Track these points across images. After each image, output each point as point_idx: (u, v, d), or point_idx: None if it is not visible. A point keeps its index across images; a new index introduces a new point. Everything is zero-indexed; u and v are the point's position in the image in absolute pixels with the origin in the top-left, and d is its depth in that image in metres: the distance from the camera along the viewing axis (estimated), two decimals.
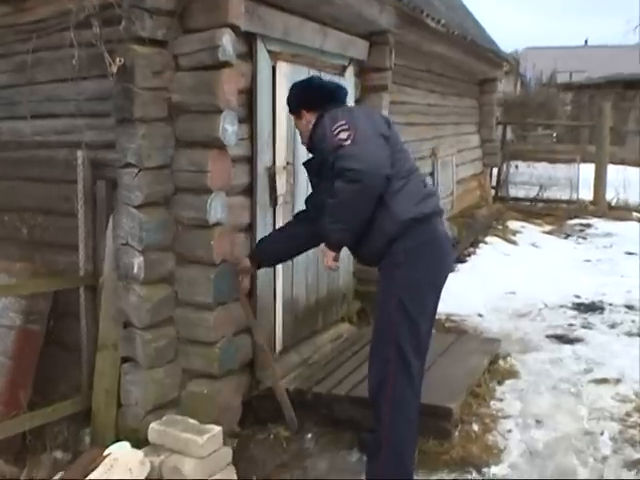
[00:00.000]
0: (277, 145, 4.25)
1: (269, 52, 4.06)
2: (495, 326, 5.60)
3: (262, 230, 4.12)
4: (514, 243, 8.66)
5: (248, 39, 3.92)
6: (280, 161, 4.28)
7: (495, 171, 11.90)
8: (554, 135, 18.12)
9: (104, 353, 3.66)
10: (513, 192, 11.95)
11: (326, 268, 3.30)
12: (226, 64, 3.33)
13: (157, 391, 3.53)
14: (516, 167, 11.92)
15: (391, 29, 5.31)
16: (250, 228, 4.09)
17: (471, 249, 8.03)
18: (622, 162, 13.76)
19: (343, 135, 2.98)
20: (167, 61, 3.40)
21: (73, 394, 3.78)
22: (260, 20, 3.88)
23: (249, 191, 4.06)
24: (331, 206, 3.01)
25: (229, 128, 3.36)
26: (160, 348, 3.52)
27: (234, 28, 3.38)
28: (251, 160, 4.03)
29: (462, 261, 7.53)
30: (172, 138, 3.46)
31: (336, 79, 4.95)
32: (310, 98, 3.37)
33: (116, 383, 3.63)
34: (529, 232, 9.49)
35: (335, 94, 3.40)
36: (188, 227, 3.50)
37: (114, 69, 3.28)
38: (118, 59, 3.27)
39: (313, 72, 4.72)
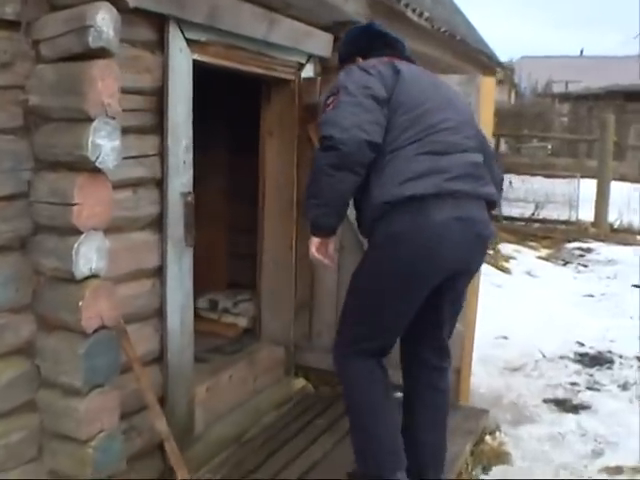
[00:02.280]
0: None
1: (188, 41, 3.07)
2: (483, 383, 4.61)
3: (175, 275, 3.14)
4: (507, 271, 7.67)
5: (159, 23, 2.95)
6: None
7: None
8: (549, 148, 17.15)
9: None
10: (506, 210, 10.90)
11: (313, 260, 2.84)
12: (102, 53, 2.32)
13: None
14: (510, 183, 10.91)
15: (361, 20, 4.31)
16: (160, 272, 3.10)
17: None
18: (622, 178, 12.80)
19: (329, 100, 2.68)
20: (22, 49, 2.39)
21: None
22: None
23: (158, 224, 3.07)
24: (308, 179, 2.71)
25: (105, 144, 2.35)
26: (13, 445, 2.50)
27: (118, 3, 2.38)
28: (161, 184, 3.04)
29: None
30: (29, 157, 2.44)
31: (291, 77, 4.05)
32: (368, 43, 3.03)
33: None
34: (524, 257, 8.50)
35: (397, 44, 3.09)
36: (51, 280, 2.50)
37: None
38: None
39: (261, 70, 3.78)
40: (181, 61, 3.03)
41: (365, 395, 2.80)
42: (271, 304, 4.32)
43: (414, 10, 4.92)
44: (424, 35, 5.58)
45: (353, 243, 4.12)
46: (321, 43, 4.19)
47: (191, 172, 3.16)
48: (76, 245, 2.37)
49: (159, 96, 2.99)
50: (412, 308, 2.72)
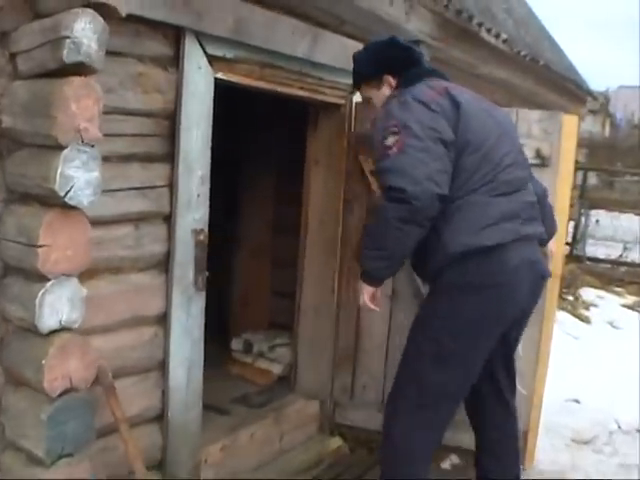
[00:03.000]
0: None
1: (210, 57, 2.70)
2: (546, 458, 3.99)
3: (182, 323, 2.75)
4: (587, 321, 6.95)
5: (175, 35, 2.58)
6: None
7: (571, 224, 10.08)
8: None
9: None
10: (592, 250, 10.06)
11: (362, 309, 2.79)
12: (81, 69, 1.95)
13: None
14: (597, 222, 10.09)
15: (425, 40, 3.86)
16: (164, 320, 2.72)
17: None
18: None
19: (390, 140, 2.45)
20: None
21: None
22: (188, 6, 2.51)
23: (165, 265, 2.69)
24: (370, 228, 2.57)
25: (79, 176, 1.97)
26: None
27: (103, 10, 2.01)
28: (169, 219, 2.67)
29: None
30: (0, 186, 2.11)
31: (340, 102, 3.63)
32: (398, 58, 2.81)
33: None
34: (607, 305, 7.73)
35: (421, 57, 2.90)
36: (18, 331, 2.14)
37: None
38: None
39: (304, 93, 3.38)
40: (199, 80, 2.65)
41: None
42: (308, 352, 3.89)
43: (489, 30, 4.41)
44: (502, 58, 5.06)
45: (406, 288, 3.67)
46: None
47: (207, 207, 2.77)
48: (41, 293, 2.01)
49: (171, 119, 2.61)
50: (486, 355, 2.66)
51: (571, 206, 8.82)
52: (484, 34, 4.39)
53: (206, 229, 2.76)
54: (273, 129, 4.59)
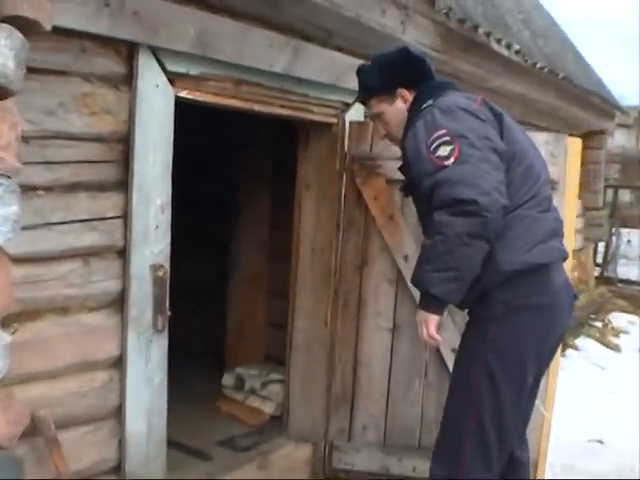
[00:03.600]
0: None
1: (171, 75, 2.45)
2: None
3: (140, 367, 2.50)
4: (616, 349, 6.52)
5: (128, 51, 2.35)
6: None
7: (601, 245, 9.62)
8: None
9: None
10: (624, 271, 9.59)
11: (428, 342, 2.43)
12: None
13: None
14: (628, 242, 9.63)
15: (426, 51, 3.57)
16: (120, 364, 2.46)
17: None
18: None
19: (444, 151, 2.27)
20: None
21: None
22: (139, 19, 2.27)
23: (120, 304, 2.44)
24: (431, 248, 2.30)
25: None
26: None
27: (24, 25, 1.76)
28: (124, 253, 2.42)
29: None
30: None
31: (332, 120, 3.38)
32: (412, 70, 2.62)
33: None
34: (638, 331, 7.29)
35: (432, 69, 2.70)
36: None
37: None
38: None
39: (287, 112, 3.13)
40: (156, 99, 2.40)
41: None
42: (301, 389, 3.61)
43: (499, 41, 4.11)
44: (516, 71, 4.74)
45: (410, 321, 3.36)
46: None
47: (168, 239, 2.51)
48: None
49: (125, 143, 2.37)
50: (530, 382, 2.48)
51: (601, 225, 8.44)
52: (494, 45, 4.08)
53: (167, 264, 2.50)
54: (272, 149, 4.35)
